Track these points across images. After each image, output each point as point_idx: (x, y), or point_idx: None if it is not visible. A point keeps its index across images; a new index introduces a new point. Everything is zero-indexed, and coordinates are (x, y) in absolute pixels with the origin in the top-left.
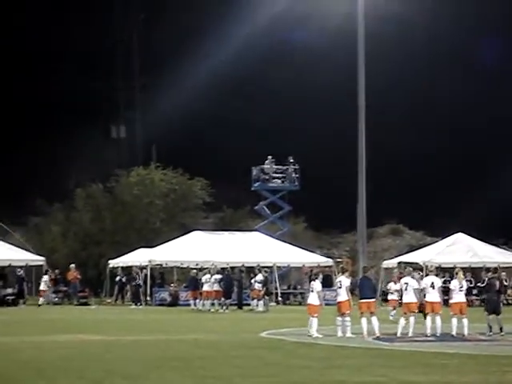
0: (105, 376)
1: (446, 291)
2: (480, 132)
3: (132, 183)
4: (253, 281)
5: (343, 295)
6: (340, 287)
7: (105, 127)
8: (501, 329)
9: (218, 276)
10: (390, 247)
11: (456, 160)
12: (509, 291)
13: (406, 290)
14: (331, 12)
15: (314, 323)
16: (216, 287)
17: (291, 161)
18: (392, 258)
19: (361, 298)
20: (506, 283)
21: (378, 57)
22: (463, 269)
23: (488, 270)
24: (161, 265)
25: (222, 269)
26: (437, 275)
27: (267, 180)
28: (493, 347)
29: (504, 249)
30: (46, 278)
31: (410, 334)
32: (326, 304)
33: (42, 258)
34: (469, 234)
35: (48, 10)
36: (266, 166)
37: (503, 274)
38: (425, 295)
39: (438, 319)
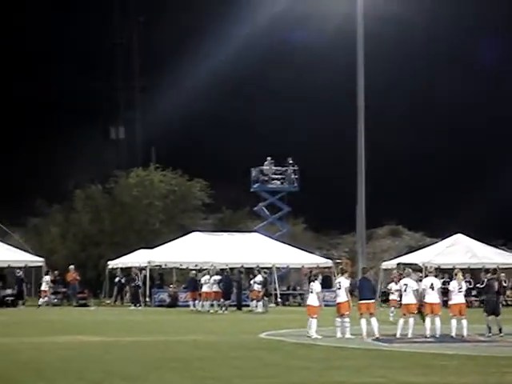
0: (104, 377)
1: (445, 292)
2: (479, 132)
3: (131, 184)
4: (252, 282)
5: (342, 296)
6: (339, 288)
7: (104, 128)
8: (500, 330)
9: (218, 277)
10: (390, 248)
11: (455, 160)
12: (508, 292)
13: (405, 291)
14: (331, 12)
15: (314, 324)
16: (215, 288)
17: (290, 162)
18: (391, 258)
19: (360, 299)
20: (505, 284)
21: (378, 57)
22: (462, 270)
23: (487, 271)
24: (160, 266)
25: (222, 270)
26: (436, 276)
27: (266, 181)
28: (492, 348)
29: (503, 250)
30: (47, 278)
31: (410, 335)
32: (326, 305)
33: (42, 259)
34: (468, 235)
35: (48, 10)
36: (265, 167)
37: (502, 275)
38: (424, 296)
39: (438, 320)
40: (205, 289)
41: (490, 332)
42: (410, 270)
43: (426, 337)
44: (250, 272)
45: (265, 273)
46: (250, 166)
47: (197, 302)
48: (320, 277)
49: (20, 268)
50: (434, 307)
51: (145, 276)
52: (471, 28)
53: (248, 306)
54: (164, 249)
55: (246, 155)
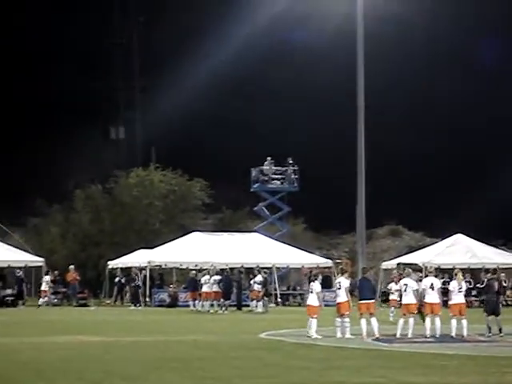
0: (104, 377)
1: (445, 292)
2: (479, 132)
3: (131, 184)
4: (252, 282)
5: (342, 296)
6: (339, 288)
7: (104, 128)
8: (500, 330)
9: (218, 277)
10: (390, 248)
11: (455, 160)
12: (508, 292)
13: (405, 291)
14: (331, 12)
15: (314, 324)
16: (215, 288)
17: (290, 162)
18: (391, 259)
19: (360, 299)
20: (505, 284)
21: (378, 57)
22: (462, 270)
23: (487, 271)
24: (160, 266)
25: (222, 270)
26: (436, 276)
27: (266, 181)
28: (492, 348)
29: (503, 250)
30: (47, 278)
31: (410, 335)
32: (326, 305)
33: (41, 259)
34: (468, 235)
35: (48, 10)
36: (265, 167)
37: (502, 274)
38: (424, 296)
39: (438, 320)
40: (205, 289)
41: (489, 332)
42: (410, 270)
43: (426, 337)
44: (250, 272)
45: (265, 273)
46: (250, 165)
47: (197, 302)
48: (320, 277)
49: (20, 268)
50: (434, 307)
51: (145, 276)
52: (471, 28)
53: (248, 305)
54: (164, 249)
55: (246, 155)
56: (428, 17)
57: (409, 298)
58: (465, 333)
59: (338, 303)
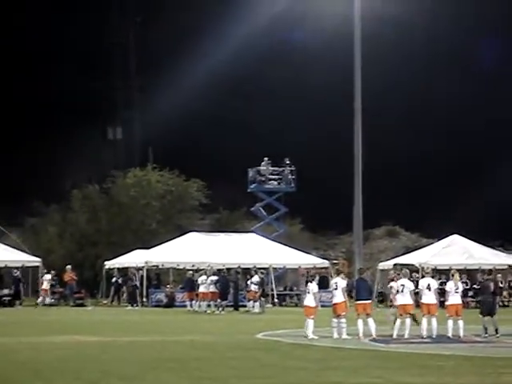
0: (101, 377)
1: (441, 293)
2: (477, 134)
3: (129, 184)
4: (249, 282)
5: (339, 297)
6: (336, 289)
7: (103, 128)
8: (496, 330)
9: (214, 277)
10: (386, 249)
11: (453, 162)
12: (504, 293)
13: (402, 291)
14: (329, 13)
15: (310, 325)
16: (212, 288)
17: (287, 162)
18: (388, 259)
19: (357, 300)
20: (501, 285)
21: (375, 58)
22: (459, 271)
23: (484, 271)
24: (157, 266)
25: (218, 270)
26: (433, 277)
27: (263, 181)
28: (488, 349)
29: (500, 251)
30: (48, 276)
31: (406, 336)
32: (322, 305)
33: (39, 259)
34: (465, 236)
35: (48, 10)
36: (262, 168)
37: (499, 275)
38: (421, 297)
39: (434, 321)
40: (202, 289)
41: (486, 333)
42: (408, 270)
43: (422, 337)
44: (246, 272)
45: (262, 273)
46: (247, 166)
47: (194, 302)
48: (317, 277)
49: (17, 268)
50: (430, 308)
51: (142, 276)
52: (471, 28)
53: (245, 306)
54: (161, 249)
55: (244, 155)
56: (428, 17)
57: (405, 299)
58: (461, 333)
59: (335, 304)
